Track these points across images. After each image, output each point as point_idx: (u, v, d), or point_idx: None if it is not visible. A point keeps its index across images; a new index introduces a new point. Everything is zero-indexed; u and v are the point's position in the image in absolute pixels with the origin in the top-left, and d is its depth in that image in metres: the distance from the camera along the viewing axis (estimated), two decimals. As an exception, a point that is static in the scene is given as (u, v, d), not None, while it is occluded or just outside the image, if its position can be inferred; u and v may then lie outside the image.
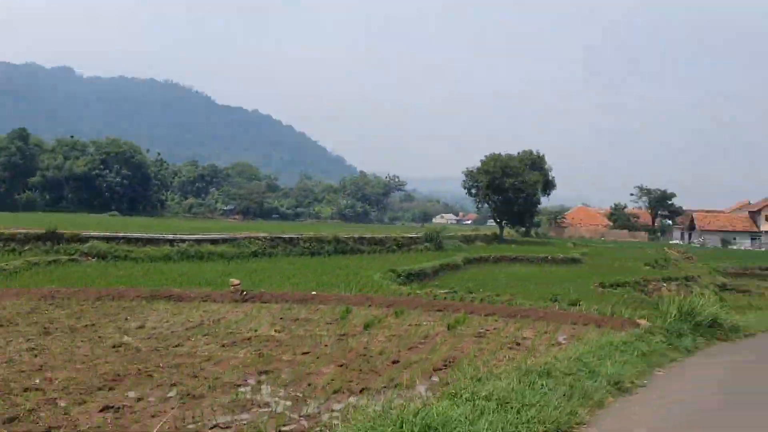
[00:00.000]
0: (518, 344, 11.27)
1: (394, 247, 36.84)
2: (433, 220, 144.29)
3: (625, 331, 10.89)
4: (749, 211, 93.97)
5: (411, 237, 39.23)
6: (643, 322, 12.50)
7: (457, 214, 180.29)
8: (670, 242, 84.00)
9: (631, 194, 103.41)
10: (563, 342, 11.67)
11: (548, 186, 62.41)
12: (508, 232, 62.98)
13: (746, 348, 12.31)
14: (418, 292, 20.36)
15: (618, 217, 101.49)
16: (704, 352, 11.10)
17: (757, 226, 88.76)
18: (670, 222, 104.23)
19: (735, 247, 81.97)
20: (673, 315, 11.64)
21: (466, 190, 57.95)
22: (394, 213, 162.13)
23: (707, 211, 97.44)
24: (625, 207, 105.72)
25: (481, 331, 12.40)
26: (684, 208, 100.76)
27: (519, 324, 13.38)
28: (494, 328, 12.78)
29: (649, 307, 20.13)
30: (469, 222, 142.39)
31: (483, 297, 19.37)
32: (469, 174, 56.22)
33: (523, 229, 64.81)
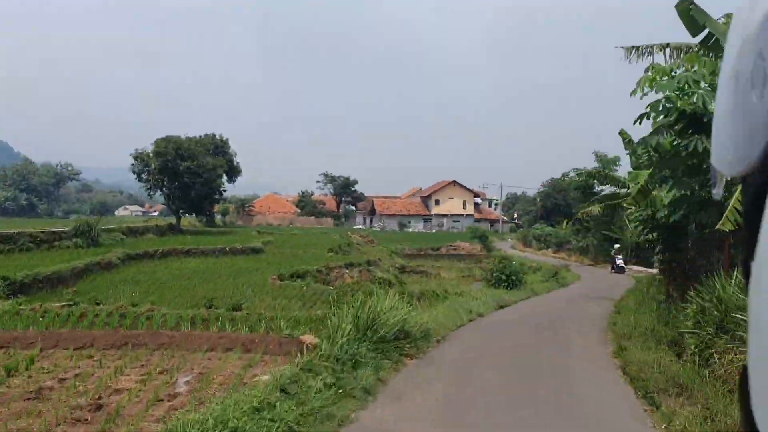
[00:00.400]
0: (100, 406, 6.57)
1: (30, 244, 28.88)
2: (116, 212, 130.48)
3: (271, 370, 6.86)
4: (421, 197, 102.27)
5: (54, 232, 31.29)
6: (308, 339, 8.77)
7: (143, 206, 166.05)
8: (354, 227, 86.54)
9: (318, 181, 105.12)
10: (183, 389, 7.29)
11: (234, 172, 58.13)
12: (189, 221, 57.06)
13: (440, 364, 9.21)
14: (22, 307, 14.82)
15: (306, 203, 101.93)
16: (390, 389, 7.58)
17: (428, 210, 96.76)
18: (353, 208, 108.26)
19: (410, 230, 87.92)
20: (347, 332, 7.99)
21: (135, 176, 50.09)
22: (70, 206, 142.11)
23: (385, 197, 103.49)
24: (312, 194, 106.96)
25: (46, 384, 7.36)
26: (365, 194, 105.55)
27: (126, 359, 8.65)
28: (78, 373, 7.85)
29: (327, 302, 17.13)
30: (155, 213, 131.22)
31: (113, 309, 14.25)
32: (139, 157, 48.59)
33: (205, 218, 59.40)
